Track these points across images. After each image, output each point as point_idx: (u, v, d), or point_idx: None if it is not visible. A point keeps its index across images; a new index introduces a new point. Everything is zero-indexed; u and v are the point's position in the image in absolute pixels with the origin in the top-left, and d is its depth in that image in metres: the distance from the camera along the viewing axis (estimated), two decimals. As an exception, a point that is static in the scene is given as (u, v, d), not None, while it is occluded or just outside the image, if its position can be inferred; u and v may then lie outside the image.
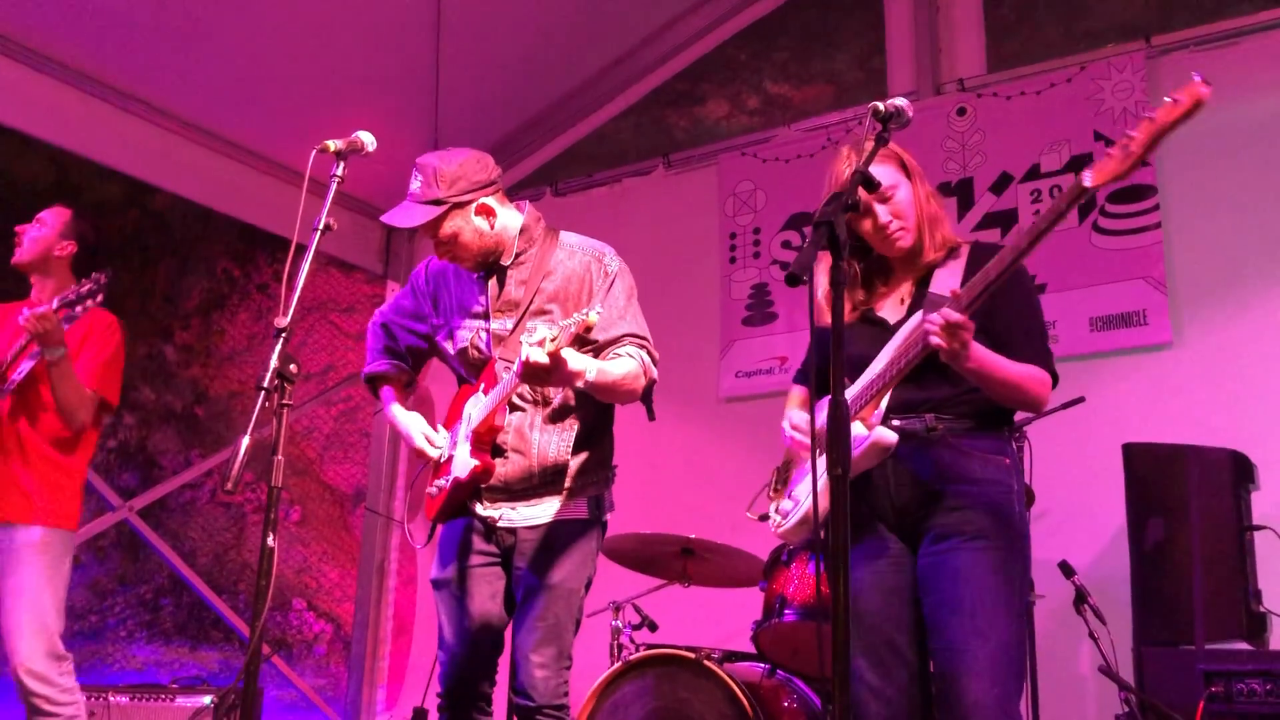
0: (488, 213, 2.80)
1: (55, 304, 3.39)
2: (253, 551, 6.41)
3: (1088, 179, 2.07)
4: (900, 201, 2.46)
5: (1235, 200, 4.38)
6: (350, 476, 6.69)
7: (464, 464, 2.73)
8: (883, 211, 2.44)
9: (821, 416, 2.48)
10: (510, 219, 2.86)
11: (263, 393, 2.22)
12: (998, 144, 4.89)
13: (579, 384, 2.60)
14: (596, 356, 2.69)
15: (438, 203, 2.76)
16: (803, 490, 2.54)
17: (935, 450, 2.39)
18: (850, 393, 2.41)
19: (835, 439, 1.83)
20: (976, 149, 4.93)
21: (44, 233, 3.78)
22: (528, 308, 2.80)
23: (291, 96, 5.45)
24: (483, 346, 2.83)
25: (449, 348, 2.91)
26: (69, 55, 4.99)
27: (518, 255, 2.85)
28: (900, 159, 2.51)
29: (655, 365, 2.81)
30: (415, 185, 2.79)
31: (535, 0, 5.47)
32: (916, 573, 2.42)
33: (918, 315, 2.37)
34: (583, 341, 2.61)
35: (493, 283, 2.86)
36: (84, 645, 6.61)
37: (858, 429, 2.35)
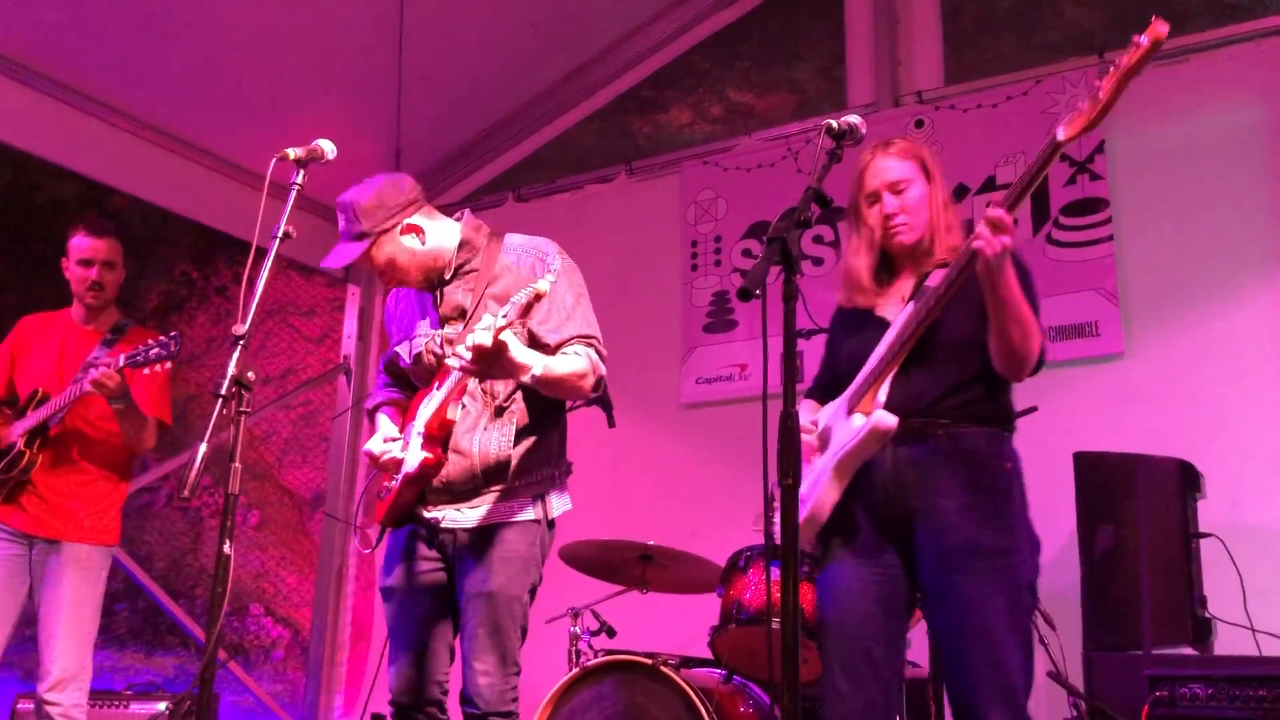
0: (415, 231, 2.82)
1: (122, 362, 3.44)
2: (210, 556, 6.35)
3: (1060, 133, 2.13)
4: (910, 198, 2.48)
5: (1186, 214, 4.47)
6: (309, 481, 6.65)
7: (414, 457, 2.73)
8: (890, 201, 2.46)
9: (823, 418, 2.50)
10: (443, 232, 2.87)
11: (220, 400, 2.23)
12: (955, 156, 4.94)
13: (525, 378, 2.60)
14: (541, 348, 2.70)
15: (363, 236, 2.79)
16: (806, 485, 2.49)
17: (936, 458, 2.36)
18: (850, 388, 2.43)
19: (785, 449, 1.86)
20: (934, 160, 4.99)
21: (118, 275, 3.88)
22: (474, 313, 2.81)
23: (252, 99, 5.42)
24: (436, 349, 2.84)
25: (405, 358, 2.92)
26: (25, 55, 4.93)
27: (460, 267, 2.87)
28: (921, 159, 2.53)
29: (604, 363, 2.82)
30: (342, 224, 2.83)
31: (499, 6, 5.47)
32: (913, 585, 2.40)
33: (911, 306, 2.38)
34: (534, 343, 2.64)
35: (439, 294, 2.88)
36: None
37: (856, 419, 2.37)
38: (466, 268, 2.87)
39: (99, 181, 5.48)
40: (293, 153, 2.51)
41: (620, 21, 5.92)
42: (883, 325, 2.47)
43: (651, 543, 3.87)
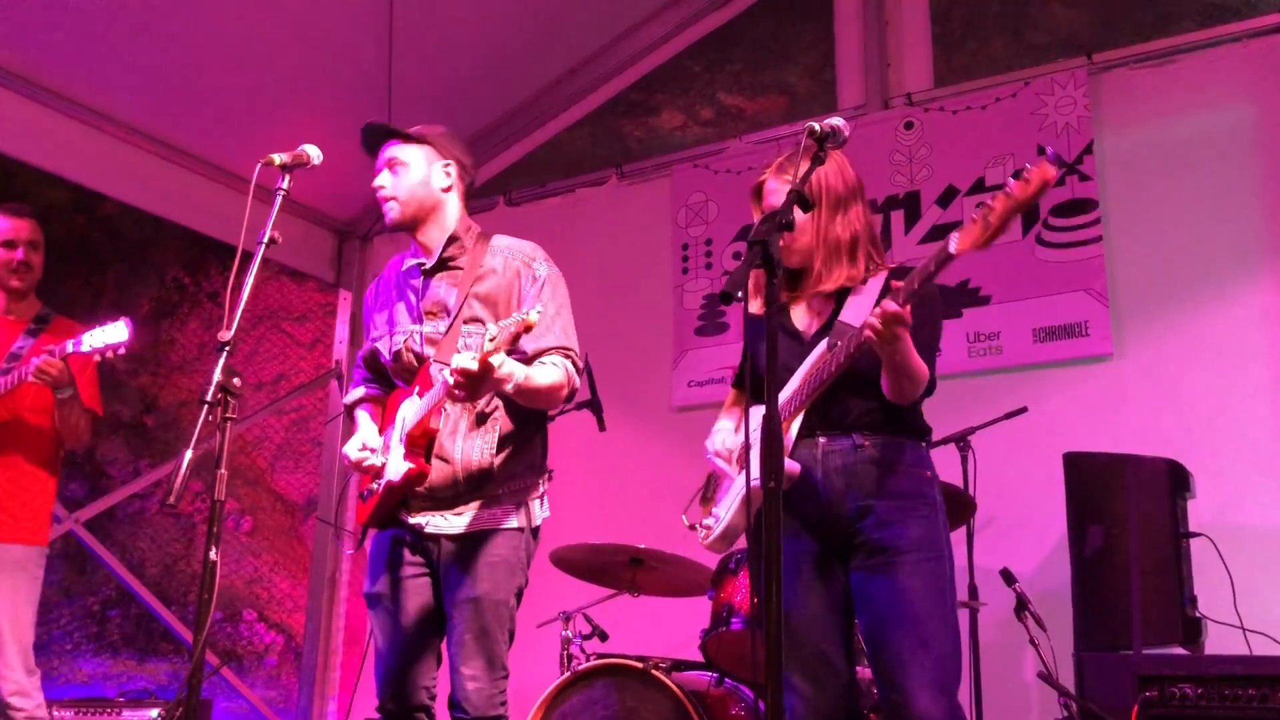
0: (446, 172, 2.88)
1: (72, 348, 3.39)
2: (202, 562, 6.36)
3: (952, 245, 2.20)
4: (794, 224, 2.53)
5: (1174, 214, 4.48)
6: (302, 486, 6.65)
7: (397, 467, 2.73)
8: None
9: (751, 423, 2.53)
10: (454, 210, 2.91)
11: (206, 406, 2.23)
12: (944, 157, 4.96)
13: (507, 388, 2.61)
14: (522, 358, 2.70)
15: (414, 135, 2.88)
16: (725, 504, 2.60)
17: (862, 466, 2.45)
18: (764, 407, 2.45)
19: (768, 452, 1.87)
20: (923, 162, 5.00)
21: (41, 257, 3.77)
22: (458, 312, 2.81)
23: (242, 104, 5.41)
24: (416, 348, 2.84)
25: (385, 354, 2.91)
26: (13, 61, 4.92)
27: (447, 261, 2.87)
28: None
29: (579, 375, 2.83)
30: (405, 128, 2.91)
31: (488, 10, 5.47)
32: (847, 585, 2.48)
33: (822, 345, 2.46)
34: (513, 350, 2.64)
35: (421, 285, 2.88)
36: None
37: None
38: (453, 263, 2.87)
39: (89, 188, 5.47)
40: (278, 158, 2.50)
41: (610, 25, 5.93)
42: (797, 336, 2.57)
43: (642, 546, 3.87)
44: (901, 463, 2.47)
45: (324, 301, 6.71)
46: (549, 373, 2.73)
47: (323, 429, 6.53)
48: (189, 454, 2.18)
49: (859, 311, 2.45)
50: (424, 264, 2.89)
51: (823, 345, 2.46)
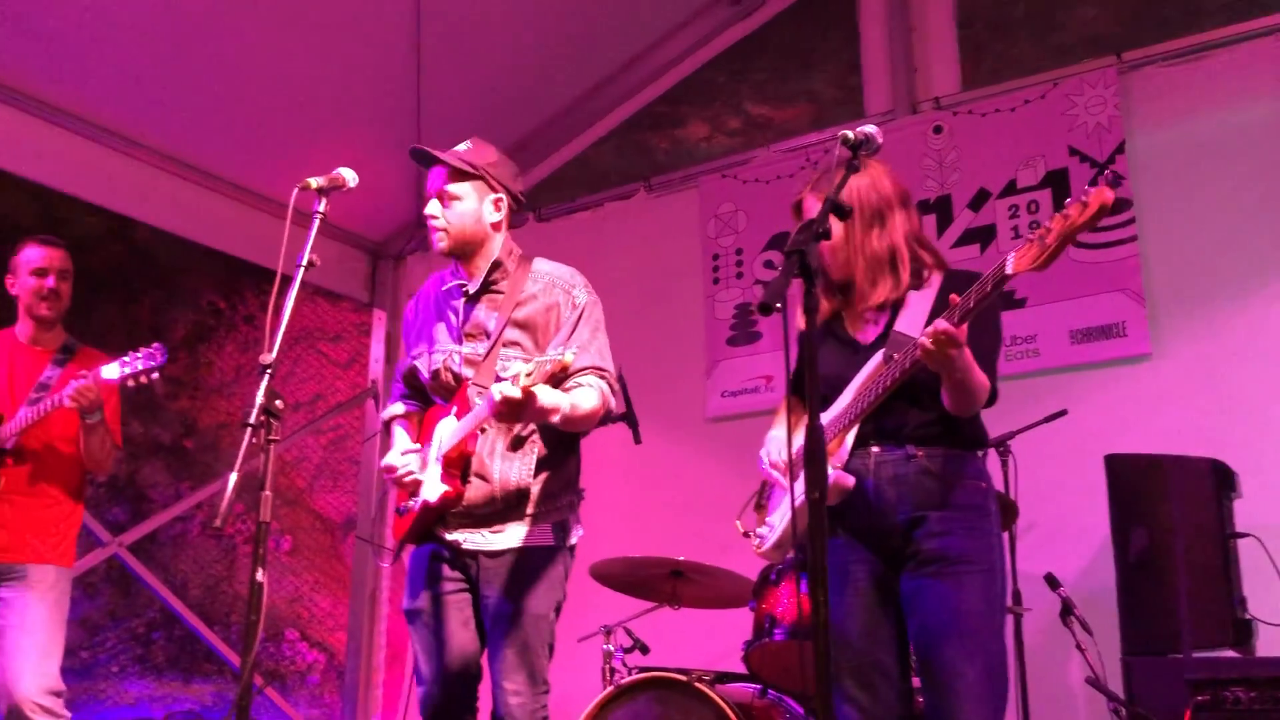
0: (496, 204, 2.89)
1: (107, 374, 3.48)
2: (244, 583, 6.38)
3: (1009, 266, 2.20)
4: (835, 237, 2.51)
5: (1210, 211, 4.44)
6: (340, 505, 6.68)
7: (434, 488, 2.75)
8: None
9: (799, 437, 2.53)
10: (499, 240, 2.93)
11: (250, 429, 2.25)
12: (974, 161, 4.94)
13: (555, 419, 2.64)
14: (557, 386, 2.71)
15: (465, 171, 2.86)
16: (779, 514, 2.59)
17: (916, 478, 2.44)
18: (824, 417, 2.45)
19: (811, 463, 1.86)
20: (954, 166, 4.98)
21: (70, 287, 3.84)
22: (499, 336, 2.83)
23: (273, 128, 5.47)
24: (455, 368, 2.86)
25: (424, 372, 2.94)
26: (51, 93, 5.01)
27: (490, 284, 2.89)
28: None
29: (613, 396, 2.86)
30: (463, 146, 2.91)
31: (516, 28, 5.51)
32: (900, 595, 2.47)
33: (878, 357, 2.45)
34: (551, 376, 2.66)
35: (463, 306, 2.90)
36: (76, 682, 6.54)
37: None
38: (495, 287, 2.90)
39: (124, 215, 5.54)
40: (314, 182, 2.53)
41: (634, 39, 5.95)
42: (854, 346, 2.55)
43: (682, 558, 3.87)
44: (956, 474, 2.45)
45: (359, 321, 6.75)
46: (589, 397, 2.75)
47: (360, 448, 6.57)
48: (234, 476, 2.20)
49: (915, 319, 2.43)
50: (466, 287, 2.91)
51: (878, 357, 2.45)
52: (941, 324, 2.22)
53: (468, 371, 2.83)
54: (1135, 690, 3.26)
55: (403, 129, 5.46)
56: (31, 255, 3.80)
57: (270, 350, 2.32)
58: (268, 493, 2.25)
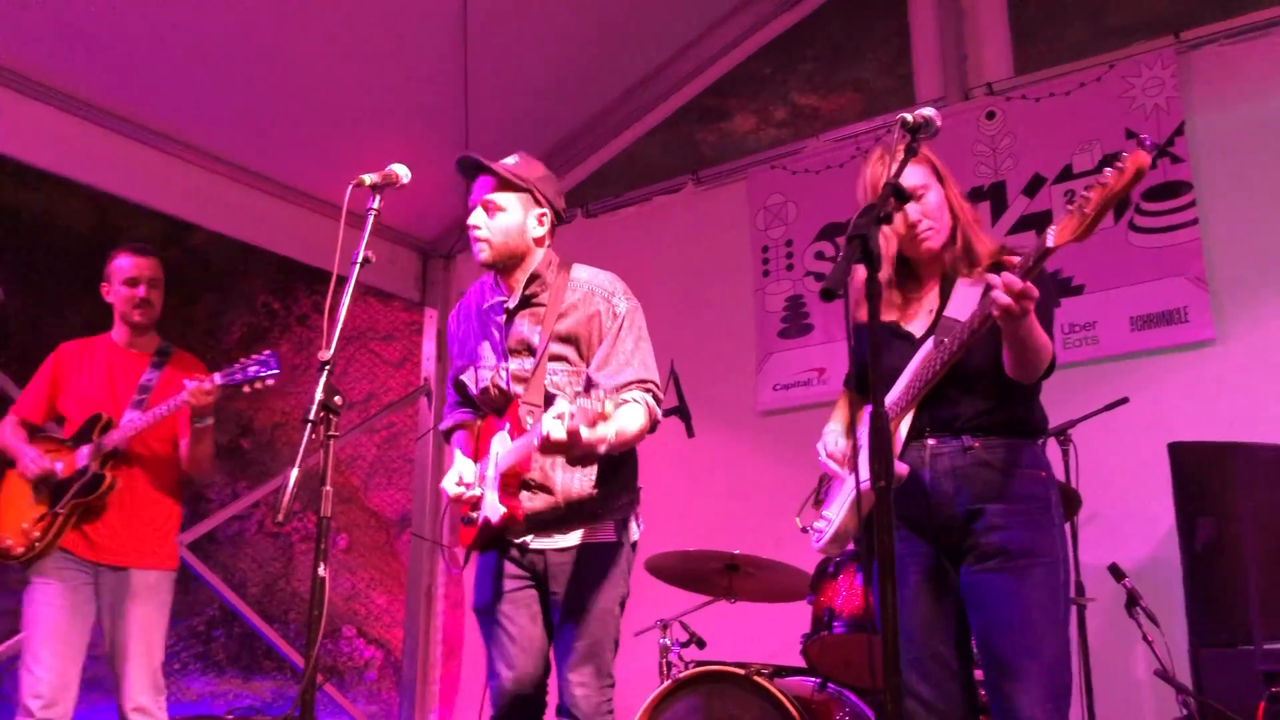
0: (540, 219, 2.88)
1: (219, 380, 3.55)
2: (302, 580, 6.46)
3: (1050, 239, 2.13)
4: (930, 203, 2.48)
5: (1272, 192, 4.33)
6: (395, 502, 6.74)
7: (494, 509, 2.75)
8: (913, 209, 2.46)
9: (861, 428, 2.51)
10: (539, 255, 2.91)
11: (309, 425, 2.26)
12: (1028, 146, 4.86)
13: (601, 449, 2.59)
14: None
15: (512, 182, 2.86)
16: (836, 506, 2.56)
17: (974, 469, 2.40)
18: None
19: (877, 452, 1.84)
20: (1007, 152, 4.91)
21: (162, 295, 3.93)
22: (544, 351, 2.83)
23: (323, 129, 5.53)
24: (503, 385, 2.87)
25: (471, 386, 2.96)
26: (105, 98, 5.10)
27: (529, 299, 2.89)
28: (932, 163, 2.53)
29: (660, 406, 2.84)
30: (510, 159, 2.91)
31: (561, 24, 5.52)
32: (960, 587, 2.44)
33: (929, 343, 2.41)
34: (591, 385, 2.70)
35: (504, 321, 2.90)
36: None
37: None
38: (535, 300, 2.89)
39: (181, 219, 5.62)
40: (368, 178, 2.54)
41: (679, 33, 5.93)
42: (910, 339, 2.50)
43: (737, 552, 3.85)
44: (1014, 464, 2.40)
45: (410, 320, 6.80)
46: (635, 417, 2.73)
47: (414, 446, 6.62)
48: (295, 472, 2.22)
49: (965, 305, 2.39)
50: (506, 302, 2.90)
51: (930, 344, 2.42)
52: (1010, 277, 2.16)
53: (517, 389, 2.83)
54: (1205, 682, 3.20)
55: (450, 128, 5.49)
56: (123, 264, 3.89)
57: (328, 347, 2.34)
58: (328, 488, 2.27)
